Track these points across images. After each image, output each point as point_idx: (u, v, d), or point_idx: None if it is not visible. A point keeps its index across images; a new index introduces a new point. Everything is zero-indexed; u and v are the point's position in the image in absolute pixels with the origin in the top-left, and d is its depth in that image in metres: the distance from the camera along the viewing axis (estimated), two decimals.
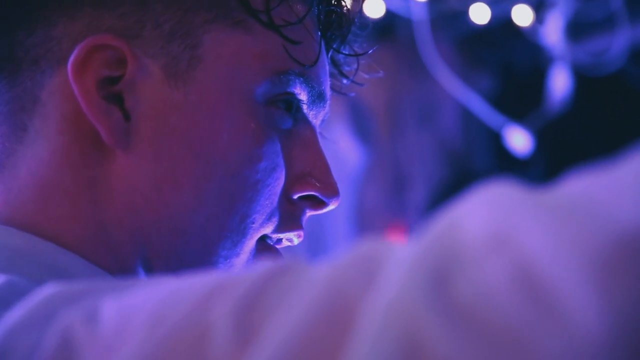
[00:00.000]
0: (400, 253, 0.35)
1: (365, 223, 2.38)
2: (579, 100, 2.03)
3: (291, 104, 0.66)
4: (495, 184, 0.35)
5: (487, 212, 0.33)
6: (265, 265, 0.40)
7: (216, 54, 0.63)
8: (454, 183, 2.30)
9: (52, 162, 0.62)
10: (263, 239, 0.66)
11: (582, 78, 2.05)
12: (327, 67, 0.70)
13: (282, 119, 0.66)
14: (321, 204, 0.68)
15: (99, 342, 0.40)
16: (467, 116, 2.26)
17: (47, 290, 0.45)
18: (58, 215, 0.62)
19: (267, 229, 0.65)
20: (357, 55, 0.74)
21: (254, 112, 0.64)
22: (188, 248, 0.63)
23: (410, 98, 2.41)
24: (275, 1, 0.65)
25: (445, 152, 2.39)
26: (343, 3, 0.71)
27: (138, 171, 0.62)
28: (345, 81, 0.75)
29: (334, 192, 0.68)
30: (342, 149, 2.40)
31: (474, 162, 2.37)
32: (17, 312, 0.44)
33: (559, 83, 2.03)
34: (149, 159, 0.62)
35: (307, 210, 0.68)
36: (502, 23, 2.07)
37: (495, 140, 2.17)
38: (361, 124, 2.40)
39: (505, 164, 2.17)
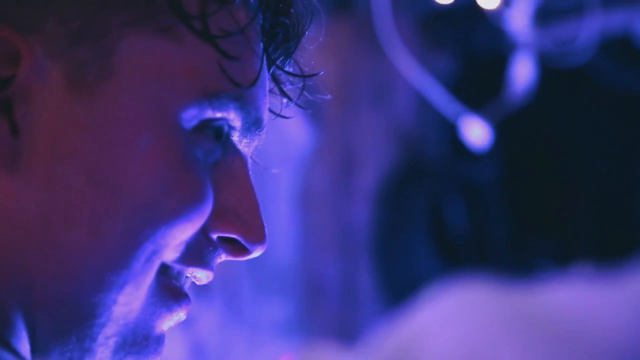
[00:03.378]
0: None
1: (311, 206, 2.31)
2: (543, 93, 1.96)
3: (221, 132, 0.57)
4: (456, 285, 0.29)
5: (450, 334, 0.27)
6: None
7: (134, 66, 0.54)
8: (405, 169, 2.23)
9: None
10: (164, 271, 0.56)
11: (547, 69, 1.98)
12: (267, 87, 0.61)
13: (210, 149, 0.57)
14: (243, 250, 0.59)
15: None
16: (423, 100, 2.20)
17: None
18: None
19: (168, 257, 0.55)
20: (304, 76, 0.63)
21: (176, 139, 0.55)
22: (80, 297, 0.53)
23: (364, 77, 2.34)
24: (214, 6, 0.54)
25: (398, 136, 2.32)
26: (293, 12, 0.61)
27: (23, 200, 0.52)
28: (286, 102, 0.64)
29: (259, 238, 0.58)
30: (290, 127, 2.31)
31: (427, 148, 2.30)
32: None
33: (522, 72, 1.94)
34: (37, 186, 0.53)
35: (224, 255, 0.59)
36: (466, 3, 1.98)
37: (451, 127, 2.10)
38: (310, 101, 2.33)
39: (460, 155, 2.09)
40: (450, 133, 2.12)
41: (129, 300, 0.54)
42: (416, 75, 2.06)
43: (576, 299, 0.27)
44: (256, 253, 0.59)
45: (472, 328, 0.27)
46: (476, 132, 1.96)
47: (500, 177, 2.04)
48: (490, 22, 1.97)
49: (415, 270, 2.01)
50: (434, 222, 2.04)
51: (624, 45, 2.07)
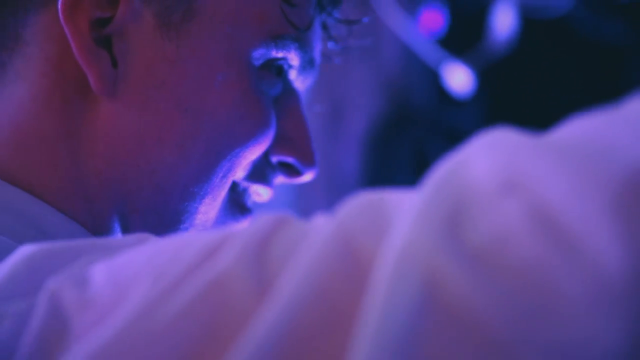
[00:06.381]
0: (405, 201, 0.34)
1: None
2: (524, 43, 2.00)
3: (282, 70, 0.66)
4: (494, 130, 0.35)
5: (492, 155, 0.33)
6: (260, 219, 0.38)
7: (213, 10, 0.61)
8: (392, 116, 2.28)
9: (32, 107, 0.60)
10: (233, 189, 0.66)
11: (528, 19, 2.02)
12: (319, 32, 0.69)
13: (273, 84, 0.65)
14: (296, 173, 0.68)
15: (91, 308, 0.37)
16: (409, 50, 2.23)
17: (25, 251, 0.42)
18: (34, 163, 0.59)
19: (238, 175, 0.65)
20: (350, 22, 0.72)
21: (247, 74, 0.62)
22: (168, 205, 0.62)
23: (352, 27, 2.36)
24: None
25: (385, 84, 2.36)
26: None
27: (122, 122, 0.60)
28: (332, 46, 0.73)
29: (311, 162, 0.67)
30: None
31: (413, 96, 2.35)
32: None
33: (504, 23, 1.99)
34: (134, 110, 0.60)
35: (281, 177, 0.68)
36: None
37: (436, 76, 2.15)
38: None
39: (445, 102, 2.14)
40: (435, 82, 2.17)
41: (207, 210, 0.63)
42: (402, 26, 2.10)
43: (590, 125, 0.32)
44: (307, 176, 0.69)
45: (509, 153, 0.32)
46: (459, 79, 2.02)
47: (483, 123, 2.09)
48: None
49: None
50: (419, 166, 2.10)
51: None
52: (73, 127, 0.60)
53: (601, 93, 2.05)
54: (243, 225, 0.39)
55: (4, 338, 0.38)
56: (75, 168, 0.60)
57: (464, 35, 2.11)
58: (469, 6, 2.14)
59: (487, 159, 0.33)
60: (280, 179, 0.69)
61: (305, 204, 2.23)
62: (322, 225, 0.36)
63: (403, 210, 0.34)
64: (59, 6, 0.58)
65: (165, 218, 0.62)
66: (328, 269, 0.33)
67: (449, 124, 2.14)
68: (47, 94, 0.60)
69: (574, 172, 0.30)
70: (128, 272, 0.38)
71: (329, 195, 2.26)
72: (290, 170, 0.69)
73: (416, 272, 0.30)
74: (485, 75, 2.01)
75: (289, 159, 0.68)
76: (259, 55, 0.63)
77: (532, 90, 2.06)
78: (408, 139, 2.18)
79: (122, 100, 0.60)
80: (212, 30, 0.61)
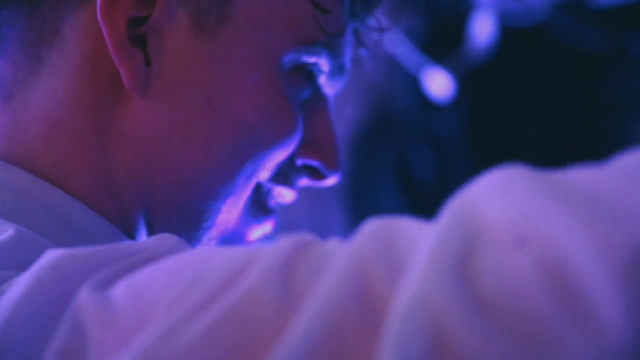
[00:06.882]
0: (418, 234, 0.35)
1: None
2: (503, 49, 2.02)
3: (312, 75, 0.66)
4: (503, 167, 0.35)
5: (506, 201, 0.32)
6: (282, 241, 0.39)
7: (247, 15, 0.62)
8: (375, 122, 2.29)
9: (66, 101, 0.60)
10: (257, 190, 0.67)
11: (507, 27, 2.04)
12: (350, 39, 0.70)
13: (302, 88, 0.66)
14: (321, 177, 0.69)
15: (113, 329, 0.38)
16: (392, 57, 2.25)
17: (51, 258, 0.43)
18: (66, 156, 0.60)
19: (263, 177, 0.66)
20: (382, 29, 0.74)
21: (277, 78, 0.63)
22: (192, 203, 0.62)
23: None
24: None
25: (369, 91, 2.37)
26: None
27: (152, 120, 0.60)
28: (363, 53, 0.75)
29: (335, 166, 0.69)
30: None
31: (394, 102, 2.36)
32: (22, 285, 0.41)
33: (484, 29, 2.00)
34: (165, 109, 0.60)
35: (306, 180, 0.69)
36: None
37: (418, 83, 2.16)
38: None
39: (426, 108, 2.16)
40: (417, 88, 2.18)
41: (230, 210, 0.64)
42: (385, 34, 2.11)
43: (601, 177, 0.32)
44: (331, 180, 0.70)
45: (521, 194, 0.32)
46: (440, 85, 2.03)
47: (463, 129, 2.10)
48: None
49: (384, 216, 2.08)
50: (402, 170, 2.11)
51: (580, 3, 2.12)
52: (105, 123, 0.61)
53: (580, 99, 2.08)
54: (265, 247, 0.41)
55: (27, 348, 0.39)
56: (105, 163, 0.61)
57: (444, 41, 2.12)
58: (449, 12, 2.16)
59: (502, 204, 0.33)
60: (304, 182, 0.70)
61: (290, 208, 2.24)
62: (339, 256, 0.37)
63: (416, 248, 0.34)
64: (98, 4, 0.59)
65: (189, 216, 0.63)
66: (341, 310, 0.34)
67: (430, 130, 2.15)
68: (82, 89, 0.61)
69: (590, 232, 0.30)
70: (149, 293, 0.39)
71: (312, 199, 2.27)
72: (315, 174, 0.70)
73: (426, 322, 0.31)
74: (465, 81, 2.03)
75: (314, 163, 0.69)
76: (290, 60, 0.65)
77: (512, 96, 2.08)
78: (390, 144, 2.19)
79: (153, 98, 0.61)
80: (245, 34, 0.62)
